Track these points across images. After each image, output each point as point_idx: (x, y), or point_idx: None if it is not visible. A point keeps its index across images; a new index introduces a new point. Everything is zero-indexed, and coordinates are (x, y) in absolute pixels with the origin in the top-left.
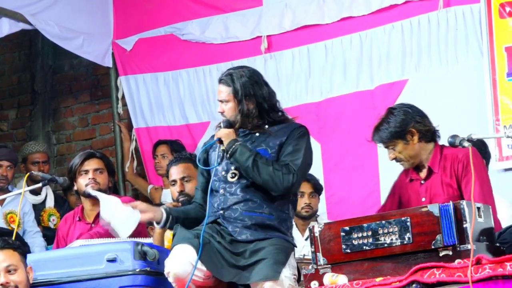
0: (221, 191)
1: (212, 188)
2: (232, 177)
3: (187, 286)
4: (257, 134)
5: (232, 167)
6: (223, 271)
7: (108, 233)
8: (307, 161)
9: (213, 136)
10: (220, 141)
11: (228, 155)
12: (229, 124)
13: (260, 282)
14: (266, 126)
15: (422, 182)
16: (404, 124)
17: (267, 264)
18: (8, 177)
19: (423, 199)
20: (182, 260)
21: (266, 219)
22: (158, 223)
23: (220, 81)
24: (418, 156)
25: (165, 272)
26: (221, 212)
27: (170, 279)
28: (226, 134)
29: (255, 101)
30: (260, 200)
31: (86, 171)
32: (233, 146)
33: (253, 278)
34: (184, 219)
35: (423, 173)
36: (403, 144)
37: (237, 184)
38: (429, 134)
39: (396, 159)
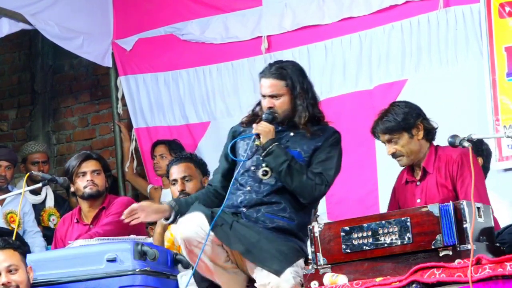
0: (248, 188)
1: (237, 180)
2: (264, 175)
3: (199, 258)
4: (292, 133)
5: (263, 164)
6: (231, 239)
7: (107, 234)
8: (338, 170)
9: (241, 124)
10: (258, 136)
11: (263, 154)
12: (271, 118)
13: (265, 270)
14: (301, 127)
15: (418, 183)
16: (412, 117)
17: (277, 257)
18: (7, 177)
19: (418, 200)
20: (192, 223)
21: (287, 224)
22: (167, 219)
23: (268, 75)
24: (417, 153)
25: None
26: (243, 209)
27: (179, 240)
28: (266, 132)
29: (305, 95)
30: (285, 204)
31: (84, 173)
32: (270, 147)
33: (260, 263)
34: None
35: (418, 174)
36: (408, 137)
37: (266, 186)
38: (432, 134)
39: (395, 154)
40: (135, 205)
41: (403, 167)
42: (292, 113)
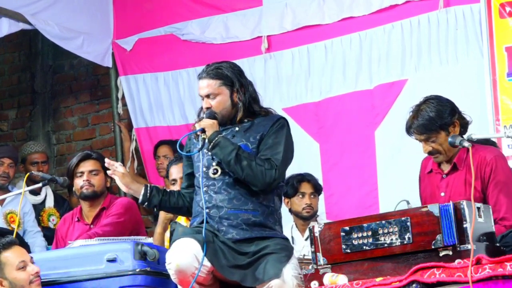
0: (205, 188)
1: (196, 185)
2: (214, 173)
3: (192, 284)
4: (237, 128)
5: (214, 163)
6: (228, 270)
7: (107, 235)
8: (288, 154)
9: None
10: (203, 131)
11: (210, 147)
12: (213, 116)
13: (266, 282)
14: (246, 120)
15: (444, 176)
16: (448, 114)
17: (270, 263)
18: (10, 174)
19: (442, 194)
20: (186, 252)
21: (252, 215)
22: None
23: (203, 76)
24: (454, 150)
25: (167, 264)
26: (207, 210)
27: (171, 271)
28: (210, 125)
29: (243, 92)
30: (245, 197)
31: (82, 173)
32: (216, 138)
33: (259, 280)
34: (162, 207)
35: (446, 168)
36: (445, 135)
37: (220, 182)
38: (466, 128)
39: (432, 152)
40: (118, 165)
41: (426, 155)
42: (234, 111)
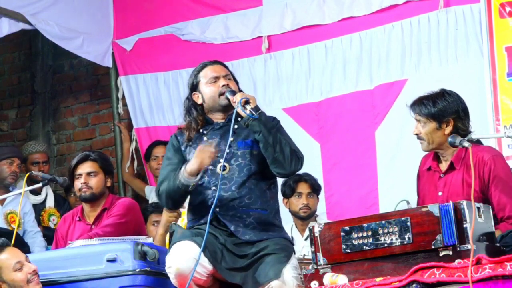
0: (213, 187)
1: (200, 184)
2: (223, 170)
3: (189, 283)
4: (236, 126)
5: (221, 159)
6: (228, 273)
7: (107, 235)
8: None
9: (181, 131)
10: (247, 101)
11: (255, 116)
12: (235, 93)
13: (265, 283)
14: (239, 119)
15: (442, 175)
16: (448, 112)
17: (270, 264)
18: (17, 174)
19: (440, 193)
20: (185, 256)
21: (262, 214)
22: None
23: (215, 62)
24: (440, 145)
25: (167, 267)
26: (217, 209)
27: (171, 275)
28: (253, 97)
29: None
30: (254, 195)
31: (80, 175)
32: (260, 110)
33: (258, 282)
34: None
35: (444, 166)
36: (435, 127)
37: (231, 180)
38: (461, 133)
39: (419, 136)
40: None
41: (426, 152)
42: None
